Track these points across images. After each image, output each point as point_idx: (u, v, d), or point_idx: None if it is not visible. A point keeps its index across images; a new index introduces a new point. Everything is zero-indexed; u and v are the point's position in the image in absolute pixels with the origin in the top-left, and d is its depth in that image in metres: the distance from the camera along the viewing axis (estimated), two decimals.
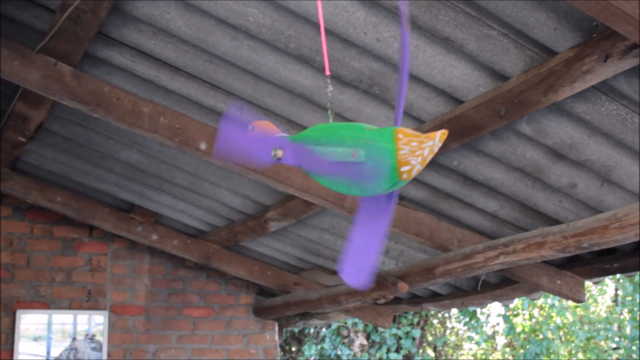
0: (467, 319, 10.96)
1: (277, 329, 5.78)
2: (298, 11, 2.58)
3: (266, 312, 5.59)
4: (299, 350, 10.75)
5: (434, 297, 5.11)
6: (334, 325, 10.22)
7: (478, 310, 10.74)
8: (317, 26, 2.61)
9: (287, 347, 10.72)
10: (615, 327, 10.64)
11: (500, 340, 11.58)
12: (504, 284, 4.50)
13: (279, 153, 1.60)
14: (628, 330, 10.44)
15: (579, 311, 10.98)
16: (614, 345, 10.62)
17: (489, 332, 11.39)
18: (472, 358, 11.70)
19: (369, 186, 1.59)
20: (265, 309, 5.57)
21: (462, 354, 11.57)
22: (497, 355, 11.54)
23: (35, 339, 5.02)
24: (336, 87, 2.94)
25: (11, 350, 4.94)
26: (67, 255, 5.24)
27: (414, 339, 10.24)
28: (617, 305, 10.95)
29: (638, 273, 4.02)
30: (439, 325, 11.04)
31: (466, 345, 11.66)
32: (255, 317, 5.69)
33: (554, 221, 3.58)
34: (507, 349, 11.39)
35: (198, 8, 2.70)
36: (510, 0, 2.30)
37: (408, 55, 1.65)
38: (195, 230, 5.09)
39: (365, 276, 1.67)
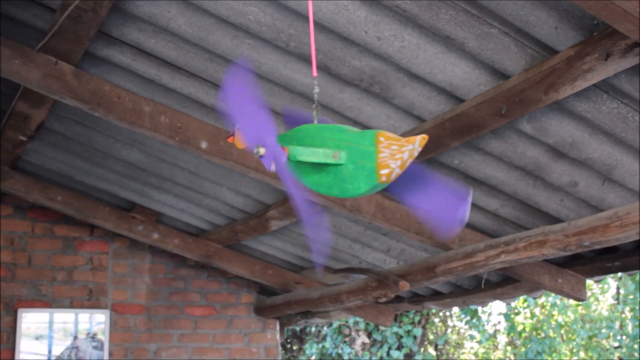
0: (469, 318, 10.96)
1: (278, 327, 5.78)
2: (299, 10, 2.57)
3: (267, 311, 5.59)
4: (300, 349, 10.75)
5: (435, 295, 5.11)
6: (335, 324, 10.23)
7: (479, 308, 10.74)
8: (318, 25, 2.61)
9: (288, 346, 10.73)
10: (617, 325, 10.63)
11: (502, 338, 11.58)
12: (505, 283, 4.50)
13: (262, 151, 1.59)
14: (630, 328, 10.44)
15: (581, 310, 10.98)
16: (616, 344, 10.62)
17: (491, 331, 11.39)
18: (474, 357, 11.70)
19: (349, 188, 1.61)
20: (267, 307, 5.57)
21: (463, 353, 11.57)
22: (499, 353, 11.54)
23: (37, 338, 5.03)
24: (337, 85, 2.94)
25: (13, 349, 4.94)
26: (68, 254, 5.25)
27: (415, 337, 10.24)
28: (618, 303, 10.94)
29: (639, 271, 4.01)
30: (440, 323, 11.04)
31: (467, 344, 11.66)
32: (256, 316, 5.69)
33: (555, 220, 3.58)
34: (509, 348, 11.39)
35: (199, 7, 2.70)
36: None
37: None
38: (196, 229, 5.09)
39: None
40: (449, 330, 11.31)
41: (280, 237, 4.83)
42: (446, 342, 11.05)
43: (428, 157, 3.16)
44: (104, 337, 5.16)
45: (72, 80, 3.12)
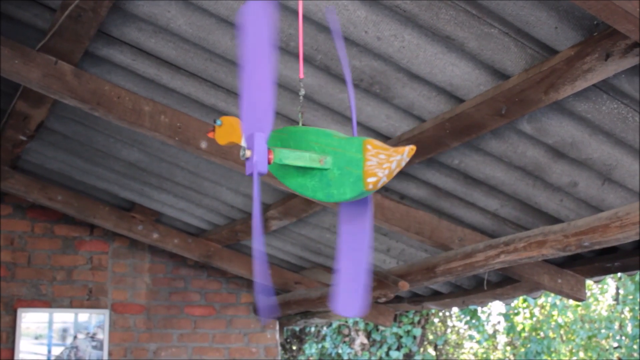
0: (468, 318, 10.96)
1: (278, 327, 5.78)
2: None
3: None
4: (299, 349, 10.75)
5: (435, 295, 5.11)
6: (335, 324, 10.23)
7: (479, 309, 10.74)
8: (318, 25, 2.61)
9: (288, 346, 10.73)
10: (616, 325, 10.63)
11: (501, 339, 11.58)
12: (505, 283, 4.50)
13: (248, 153, 1.58)
14: (629, 329, 10.45)
15: (580, 310, 10.98)
16: (615, 344, 10.62)
17: (490, 331, 11.39)
18: (473, 357, 11.70)
19: (334, 193, 1.62)
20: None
21: (463, 353, 11.57)
22: (498, 354, 11.54)
23: (36, 338, 5.03)
24: (337, 86, 2.94)
25: (12, 349, 4.94)
26: (68, 254, 5.25)
27: (414, 337, 10.24)
28: (618, 304, 10.94)
29: (639, 272, 4.01)
30: (439, 324, 11.04)
31: (467, 344, 11.66)
32: (256, 315, 5.69)
33: (554, 220, 3.58)
34: (508, 348, 11.39)
35: (198, 7, 2.70)
36: None
37: (347, 67, 1.70)
38: (196, 228, 5.09)
39: (360, 303, 1.69)
40: (449, 330, 11.31)
41: (280, 237, 4.83)
42: (446, 342, 11.05)
43: (428, 157, 3.16)
44: (103, 337, 5.16)
45: (72, 80, 3.12)
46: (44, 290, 5.12)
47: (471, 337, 11.33)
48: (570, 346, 10.89)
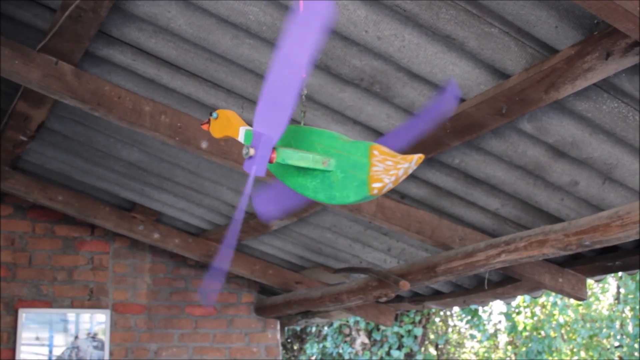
0: (469, 317, 10.96)
1: (279, 327, 5.78)
2: None
3: (268, 311, 5.59)
4: (300, 349, 10.75)
5: (436, 295, 5.11)
6: (336, 324, 10.23)
7: (480, 308, 10.74)
8: None
9: (289, 346, 10.73)
10: (617, 325, 10.63)
11: (503, 338, 11.58)
12: (505, 282, 4.50)
13: (251, 152, 1.58)
14: (630, 328, 10.44)
15: (581, 309, 10.97)
16: (617, 343, 10.61)
17: (491, 330, 11.38)
18: (474, 356, 11.69)
19: (336, 195, 1.62)
20: (267, 307, 5.57)
21: (464, 352, 11.57)
22: (499, 353, 11.53)
23: (37, 338, 5.03)
24: (337, 85, 2.94)
25: (13, 349, 4.94)
26: (68, 254, 5.25)
27: (415, 337, 10.24)
28: (619, 303, 10.94)
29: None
30: (440, 323, 11.04)
31: (468, 344, 11.66)
32: (257, 315, 5.69)
33: (555, 219, 3.58)
34: (509, 347, 11.39)
35: (199, 7, 2.70)
36: None
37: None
38: (196, 228, 5.09)
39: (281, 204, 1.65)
40: (450, 329, 11.31)
41: (281, 237, 4.83)
42: (447, 341, 11.05)
43: (428, 157, 3.16)
44: (104, 337, 5.16)
45: (73, 80, 3.13)
46: (44, 291, 5.12)
47: (472, 337, 11.33)
48: (571, 345, 10.88)
